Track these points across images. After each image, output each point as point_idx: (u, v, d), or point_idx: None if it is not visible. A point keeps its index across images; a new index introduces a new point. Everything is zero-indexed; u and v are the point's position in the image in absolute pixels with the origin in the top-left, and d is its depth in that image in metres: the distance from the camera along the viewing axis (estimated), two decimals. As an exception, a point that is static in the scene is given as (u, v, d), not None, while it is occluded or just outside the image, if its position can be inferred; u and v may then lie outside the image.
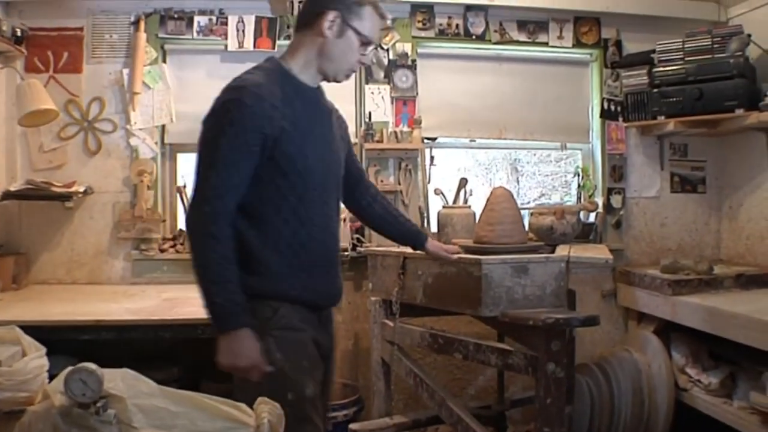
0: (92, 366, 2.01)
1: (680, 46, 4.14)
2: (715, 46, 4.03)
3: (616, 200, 4.46)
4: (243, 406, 2.08)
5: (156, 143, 4.12)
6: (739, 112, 3.87)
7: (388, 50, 4.28)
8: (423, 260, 3.15)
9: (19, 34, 3.89)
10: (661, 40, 4.22)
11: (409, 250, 3.24)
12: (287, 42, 4.09)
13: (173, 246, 4.13)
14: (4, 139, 4.01)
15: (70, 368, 2.06)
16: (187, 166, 4.52)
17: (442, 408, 3.08)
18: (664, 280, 3.81)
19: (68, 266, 4.08)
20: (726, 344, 3.34)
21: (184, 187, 4.21)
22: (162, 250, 4.09)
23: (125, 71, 4.06)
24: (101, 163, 4.09)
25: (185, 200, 4.18)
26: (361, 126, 4.27)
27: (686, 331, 3.71)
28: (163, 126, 4.17)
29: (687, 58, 4.11)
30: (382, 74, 4.28)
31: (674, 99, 4.08)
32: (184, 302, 3.50)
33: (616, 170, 4.48)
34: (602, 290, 4.40)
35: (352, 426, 3.41)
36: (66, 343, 3.19)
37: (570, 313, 2.70)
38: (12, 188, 3.78)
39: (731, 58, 3.91)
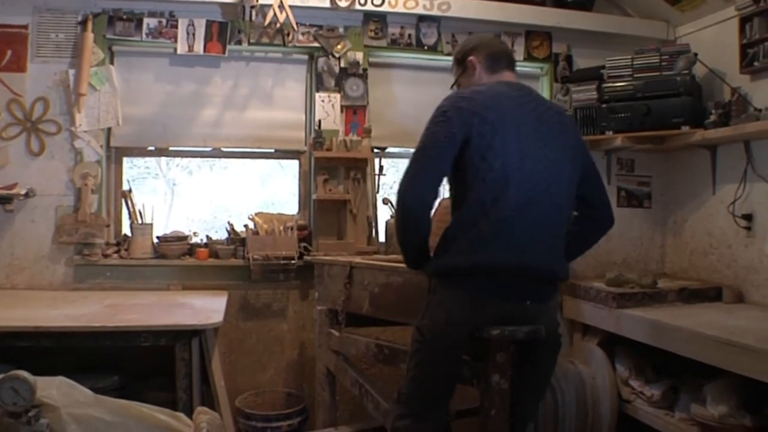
0: (24, 374, 1.95)
1: (629, 63, 4.19)
2: (663, 63, 4.10)
3: (563, 213, 4.48)
4: (181, 415, 2.04)
5: (101, 146, 4.03)
6: (685, 129, 3.96)
7: (339, 58, 4.26)
8: (369, 270, 3.13)
9: (-41, 30, 3.79)
10: (611, 56, 4.27)
11: (357, 258, 3.21)
12: (238, 47, 4.11)
13: (117, 251, 4.05)
14: (-59, 138, 3.88)
15: (0, 376, 2.00)
16: (132, 171, 4.45)
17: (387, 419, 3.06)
18: (608, 293, 3.83)
19: (7, 271, 3.95)
20: (668, 357, 3.37)
21: (130, 191, 4.14)
22: (105, 256, 4.01)
23: (71, 72, 3.96)
24: (44, 165, 3.98)
25: (130, 205, 4.10)
26: (310, 134, 4.26)
27: (630, 343, 3.74)
28: (109, 129, 4.09)
29: (635, 75, 4.16)
30: (332, 82, 4.26)
31: (622, 115, 4.14)
32: (127, 309, 3.45)
33: (564, 184, 4.48)
34: (559, 302, 4.41)
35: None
36: (3, 350, 3.11)
37: (515, 326, 2.70)
38: (-52, 189, 3.68)
39: (678, 76, 3.99)
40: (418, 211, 2.42)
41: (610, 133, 4.20)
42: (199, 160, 4.64)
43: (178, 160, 5.07)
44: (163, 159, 5.04)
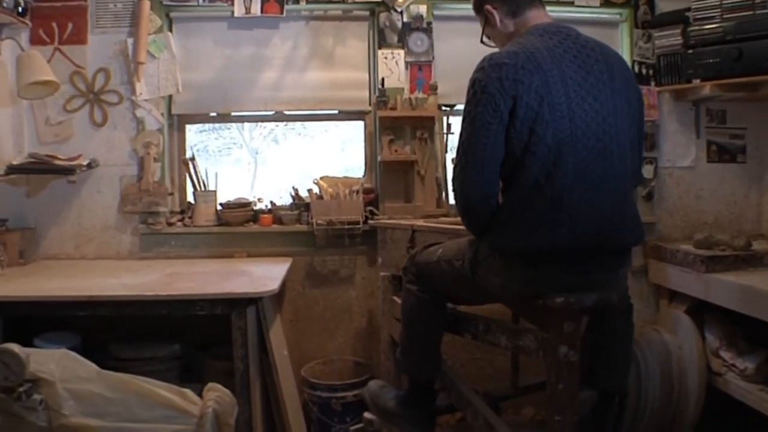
0: (14, 347, 1.89)
1: (718, 3, 3.85)
2: (757, 1, 3.74)
3: (647, 170, 4.22)
4: (189, 393, 1.94)
5: (162, 114, 4.04)
6: (783, 73, 3.61)
7: (402, 12, 4.10)
8: (432, 234, 3.00)
9: (22, 5, 3.82)
10: (698, -4, 3.94)
11: (419, 222, 3.07)
12: (296, 6, 4.02)
13: (181, 220, 4.07)
14: (10, 113, 3.95)
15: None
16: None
17: (451, 391, 2.90)
18: (697, 256, 3.59)
19: (76, 241, 4.04)
20: (764, 327, 3.11)
21: (192, 159, 4.12)
22: (170, 224, 4.03)
23: (130, 41, 3.97)
24: (108, 135, 4.03)
25: (193, 173, 4.08)
26: (374, 93, 4.13)
27: (721, 311, 3.49)
28: (170, 96, 4.09)
29: (725, 16, 3.83)
30: (395, 38, 4.11)
31: (711, 60, 3.82)
32: (186, 277, 3.45)
33: (648, 138, 4.21)
34: (631, 266, 4.18)
35: (366, 415, 3.20)
36: (68, 319, 3.17)
37: (583, 293, 2.50)
38: (15, 162, 3.77)
39: (774, 14, 3.65)
40: (484, 205, 2.26)
41: (698, 81, 3.90)
42: (281, 128, 4.63)
43: (261, 129, 5.11)
44: (247, 129, 5.09)
